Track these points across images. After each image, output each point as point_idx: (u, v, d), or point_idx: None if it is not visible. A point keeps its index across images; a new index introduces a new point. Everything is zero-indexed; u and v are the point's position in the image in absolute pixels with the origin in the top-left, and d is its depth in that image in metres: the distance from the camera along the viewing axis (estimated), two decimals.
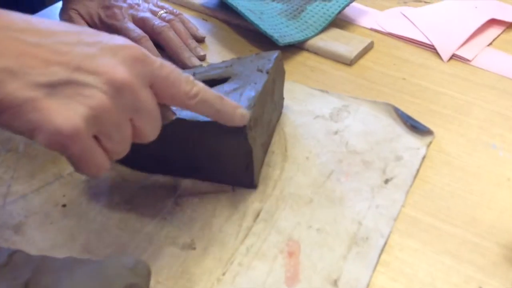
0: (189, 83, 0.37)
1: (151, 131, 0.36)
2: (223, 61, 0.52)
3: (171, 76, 0.36)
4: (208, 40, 0.67)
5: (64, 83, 0.32)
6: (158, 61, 0.35)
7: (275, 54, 0.51)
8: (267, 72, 0.49)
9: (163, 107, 0.37)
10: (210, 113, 0.39)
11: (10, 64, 0.31)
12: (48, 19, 0.34)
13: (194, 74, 0.50)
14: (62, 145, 0.32)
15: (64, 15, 0.63)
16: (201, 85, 0.38)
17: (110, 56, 0.33)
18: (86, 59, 0.32)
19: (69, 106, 0.31)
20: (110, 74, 0.33)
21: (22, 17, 0.33)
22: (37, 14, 0.70)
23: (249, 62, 0.50)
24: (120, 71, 0.33)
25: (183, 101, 0.37)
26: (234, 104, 0.41)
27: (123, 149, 0.35)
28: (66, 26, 0.34)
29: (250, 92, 0.46)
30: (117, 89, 0.33)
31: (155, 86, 0.35)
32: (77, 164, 0.33)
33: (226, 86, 0.48)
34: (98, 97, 0.32)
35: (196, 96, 0.37)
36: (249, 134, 0.43)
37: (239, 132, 0.43)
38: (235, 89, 0.47)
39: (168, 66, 0.36)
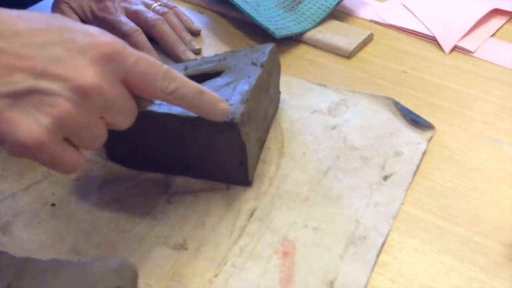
0: (166, 79, 0.35)
1: (124, 122, 0.35)
2: (216, 55, 0.51)
3: (147, 72, 0.34)
4: (204, 33, 0.66)
5: (27, 92, 0.30)
6: (133, 56, 0.34)
7: (269, 47, 0.49)
8: (261, 66, 0.47)
9: (138, 97, 0.36)
10: (189, 108, 0.38)
11: None
12: (14, 11, 0.33)
13: (186, 68, 0.49)
14: (29, 155, 0.31)
15: (56, 9, 0.62)
16: (179, 79, 0.36)
17: (77, 57, 0.32)
18: (51, 63, 0.31)
19: (33, 116, 0.31)
20: (76, 79, 0.31)
21: None
22: (29, 8, 0.69)
23: (243, 56, 0.49)
24: (86, 75, 0.32)
25: (159, 96, 0.36)
26: (215, 98, 0.38)
27: (98, 143, 0.34)
28: (33, 22, 0.32)
29: (244, 86, 0.45)
30: (83, 95, 0.31)
31: (128, 80, 0.34)
32: (50, 167, 0.33)
33: (219, 80, 0.46)
34: (62, 106, 0.31)
35: (173, 92, 0.36)
36: (242, 130, 0.42)
37: (232, 128, 0.41)
38: (228, 83, 0.46)
39: (145, 61, 0.34)
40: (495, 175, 0.47)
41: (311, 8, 0.66)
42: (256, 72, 0.46)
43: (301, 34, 0.63)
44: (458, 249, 0.41)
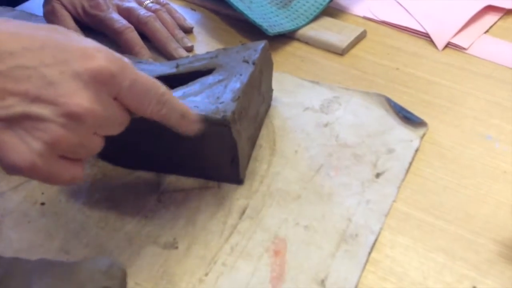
0: (160, 103, 0.35)
1: (117, 130, 0.35)
2: (208, 52, 0.50)
3: (141, 95, 0.34)
4: (196, 30, 0.65)
5: (20, 116, 0.31)
6: (129, 79, 0.33)
7: (261, 44, 0.49)
8: (253, 63, 0.47)
9: None
10: (168, 125, 0.38)
11: None
12: (11, 25, 0.32)
13: (178, 66, 0.48)
14: (24, 175, 0.32)
15: (47, 6, 0.61)
16: (170, 104, 0.36)
17: (71, 81, 0.31)
18: (44, 88, 0.31)
19: (25, 141, 0.31)
20: (68, 105, 0.31)
21: None
22: (20, 6, 0.68)
23: (235, 53, 0.49)
24: (79, 100, 0.31)
25: (147, 116, 0.36)
26: (193, 119, 0.39)
27: (94, 153, 0.34)
28: (28, 40, 0.32)
29: (235, 84, 0.44)
30: (75, 119, 0.32)
31: (121, 99, 0.34)
32: (47, 183, 0.34)
33: (210, 78, 0.46)
34: (53, 131, 0.31)
35: (162, 116, 0.36)
36: (234, 128, 0.42)
37: (223, 126, 0.41)
38: (219, 81, 0.45)
39: (140, 84, 0.34)
40: (487, 172, 0.47)
41: (304, 5, 0.66)
42: (248, 70, 0.46)
43: (294, 31, 0.63)
44: (450, 247, 0.41)
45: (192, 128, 0.39)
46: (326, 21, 0.65)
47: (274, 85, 0.53)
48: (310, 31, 0.63)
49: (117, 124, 0.35)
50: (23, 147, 0.31)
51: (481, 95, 0.55)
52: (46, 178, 0.33)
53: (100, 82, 0.32)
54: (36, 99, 0.31)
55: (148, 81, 0.35)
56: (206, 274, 0.38)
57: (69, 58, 0.32)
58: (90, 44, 0.33)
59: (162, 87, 0.36)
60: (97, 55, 0.32)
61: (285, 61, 0.60)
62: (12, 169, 0.31)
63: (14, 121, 0.31)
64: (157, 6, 0.64)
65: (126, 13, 0.61)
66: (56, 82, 0.31)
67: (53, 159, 0.32)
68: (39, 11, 0.62)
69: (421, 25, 0.65)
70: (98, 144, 0.34)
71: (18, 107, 0.30)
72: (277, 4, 0.66)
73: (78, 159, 0.34)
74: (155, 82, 0.35)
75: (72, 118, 0.31)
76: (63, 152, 0.32)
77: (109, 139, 0.45)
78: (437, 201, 0.44)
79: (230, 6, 0.62)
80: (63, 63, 0.32)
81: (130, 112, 0.35)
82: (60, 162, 0.33)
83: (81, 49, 0.32)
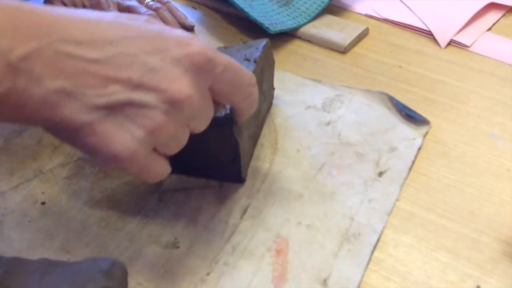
0: (251, 85, 0.36)
1: (203, 127, 0.35)
2: None
3: (233, 80, 0.34)
4: (197, 29, 0.65)
5: (122, 104, 0.30)
6: (222, 64, 0.33)
7: (263, 42, 0.49)
8: (255, 61, 0.46)
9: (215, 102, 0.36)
10: (238, 108, 0.38)
11: (67, 85, 0.29)
12: (108, 15, 0.32)
13: None
14: (119, 166, 0.31)
15: (48, 3, 0.61)
16: (256, 92, 0.37)
17: (172, 68, 0.31)
18: (146, 74, 0.31)
19: (127, 129, 0.30)
20: (171, 91, 0.31)
21: (77, 23, 0.30)
22: None
23: (236, 51, 0.48)
24: (181, 86, 0.31)
25: (238, 102, 0.36)
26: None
27: (177, 150, 0.35)
28: (125, 29, 0.31)
29: None
30: (177, 106, 0.31)
31: (214, 88, 0.34)
32: (138, 177, 0.33)
33: None
34: (156, 118, 0.31)
35: (251, 102, 0.37)
36: (235, 126, 0.41)
37: (225, 124, 0.41)
38: None
39: (231, 68, 0.34)
40: (490, 170, 0.47)
41: (306, 3, 0.65)
42: (249, 68, 0.46)
43: (296, 29, 0.63)
44: (453, 246, 0.40)
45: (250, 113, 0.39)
46: (328, 19, 0.65)
47: (276, 83, 0.53)
48: (312, 29, 0.63)
49: (205, 118, 0.35)
50: (125, 135, 0.30)
51: (485, 93, 0.55)
52: (141, 170, 0.32)
53: (198, 67, 0.32)
54: (139, 86, 0.30)
55: (235, 64, 0.35)
56: (208, 274, 0.38)
57: (167, 46, 0.32)
58: (182, 32, 0.33)
59: (250, 73, 0.36)
60: (192, 42, 0.32)
61: (286, 60, 0.59)
62: (112, 160, 0.31)
63: (116, 109, 0.30)
64: (158, 5, 0.64)
65: (127, 11, 0.61)
66: (157, 68, 0.31)
67: (150, 150, 0.32)
68: None
69: (423, 23, 0.65)
70: (185, 139, 0.34)
71: (121, 94, 0.30)
72: (279, 2, 0.65)
73: (165, 154, 0.34)
74: (244, 69, 0.35)
75: (174, 104, 0.31)
76: (159, 143, 0.32)
77: None
78: (440, 199, 0.44)
79: (231, 4, 0.62)
80: (162, 51, 0.31)
81: (216, 105, 0.35)
82: (154, 155, 0.33)
83: (176, 37, 0.32)
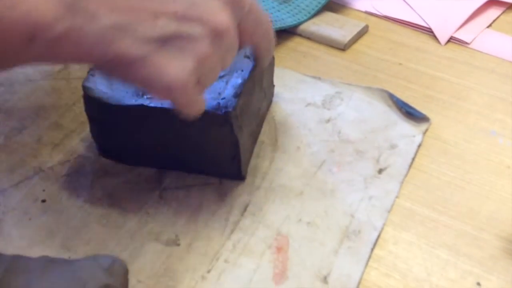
0: (268, 24, 0.39)
1: (228, 64, 0.36)
2: None
3: (256, 20, 0.37)
4: None
5: (172, 35, 0.32)
6: (248, 3, 0.36)
7: None
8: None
9: None
10: (259, 46, 0.40)
11: (121, 20, 0.30)
12: None
13: None
14: (171, 97, 0.33)
15: None
16: (272, 33, 0.40)
17: (212, 1, 0.33)
18: (190, 7, 0.32)
19: (178, 59, 0.32)
20: (214, 21, 0.33)
21: None
22: None
23: None
24: (222, 17, 0.33)
25: (258, 42, 0.39)
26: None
27: (214, 81, 0.36)
28: None
29: (237, 80, 0.44)
30: (219, 36, 0.33)
31: (241, 23, 0.36)
32: (183, 109, 0.35)
33: None
34: (204, 48, 0.32)
35: (270, 40, 0.40)
36: (235, 124, 0.41)
37: (225, 122, 0.41)
38: (221, 77, 0.45)
39: (254, 9, 0.37)
40: (491, 167, 0.47)
41: (305, 0, 0.65)
42: (249, 66, 0.45)
43: (296, 26, 0.63)
44: (454, 243, 0.40)
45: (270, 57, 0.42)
46: (328, 16, 0.65)
47: (276, 80, 0.53)
48: (311, 26, 0.63)
49: (232, 55, 0.36)
50: (177, 65, 0.32)
51: (485, 90, 0.55)
52: (190, 101, 0.34)
53: (233, 2, 0.34)
54: (185, 18, 0.32)
55: (259, 8, 0.37)
56: (209, 271, 0.38)
57: None
58: None
59: (266, 13, 0.38)
60: None
61: (286, 57, 0.59)
62: (165, 90, 0.32)
63: (167, 41, 0.31)
64: None
65: None
66: (198, 2, 0.33)
67: (196, 81, 0.33)
68: None
69: (423, 20, 0.65)
70: (218, 72, 0.36)
71: (170, 26, 0.31)
72: None
73: (204, 86, 0.35)
74: (264, 11, 0.38)
75: (217, 35, 0.33)
76: (203, 74, 0.34)
77: (110, 135, 0.46)
78: (441, 196, 0.44)
79: None
80: None
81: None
82: (197, 87, 0.34)
83: None
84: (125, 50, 0.30)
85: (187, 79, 0.32)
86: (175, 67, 0.32)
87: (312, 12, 0.64)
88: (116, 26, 0.30)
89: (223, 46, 0.34)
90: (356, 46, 0.62)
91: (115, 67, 0.32)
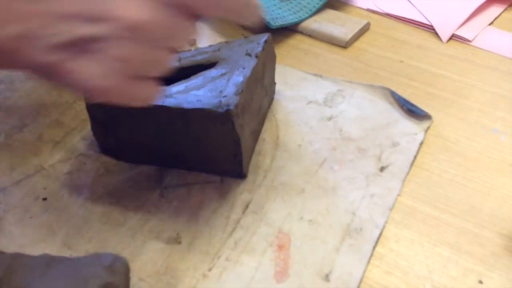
0: None
1: (182, 41, 0.33)
2: (211, 45, 0.50)
3: None
4: (198, 24, 0.64)
5: (82, 39, 0.29)
6: None
7: (264, 37, 0.49)
8: (256, 56, 0.46)
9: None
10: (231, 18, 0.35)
11: (24, 28, 0.28)
12: None
13: (180, 59, 0.48)
14: (102, 99, 0.31)
15: None
16: None
17: None
18: (96, 5, 0.29)
19: (98, 62, 0.29)
20: (124, 16, 0.29)
21: None
22: None
23: (238, 46, 0.48)
24: (137, 10, 0.29)
25: (214, 13, 0.33)
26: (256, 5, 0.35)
27: (164, 70, 0.33)
28: None
29: (238, 78, 0.44)
30: (135, 30, 0.29)
31: (185, 3, 0.31)
32: (127, 104, 0.33)
33: (213, 71, 0.46)
34: (123, 47, 0.29)
35: (228, 9, 0.33)
36: (237, 122, 0.41)
37: (226, 120, 0.41)
38: (222, 74, 0.45)
39: None
40: (492, 165, 0.46)
41: None
42: (251, 63, 0.46)
43: (297, 24, 0.63)
44: (455, 240, 0.40)
45: (256, 15, 0.34)
46: (329, 13, 0.65)
47: (277, 78, 0.53)
48: (313, 23, 0.63)
49: (183, 36, 0.32)
50: (99, 68, 0.30)
51: (487, 88, 0.55)
52: (128, 97, 0.32)
53: None
54: (91, 19, 0.29)
55: None
56: (210, 269, 0.38)
57: None
58: None
59: None
60: None
61: (288, 54, 0.59)
62: (97, 93, 0.31)
63: (79, 46, 0.29)
64: None
65: None
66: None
67: (126, 78, 0.31)
68: None
69: (425, 17, 0.65)
70: (166, 60, 0.32)
71: (75, 30, 0.29)
72: None
73: (151, 77, 0.32)
74: None
75: (135, 30, 0.29)
76: (138, 69, 0.31)
77: (111, 133, 0.45)
78: (442, 194, 0.44)
79: None
80: None
81: (196, 15, 0.32)
82: (133, 81, 0.31)
83: None
84: (34, 58, 0.29)
85: (112, 80, 0.30)
86: (96, 70, 0.30)
87: (314, 9, 0.64)
88: (16, 35, 0.28)
89: (153, 38, 0.30)
90: (357, 43, 0.61)
91: (40, 74, 0.30)
